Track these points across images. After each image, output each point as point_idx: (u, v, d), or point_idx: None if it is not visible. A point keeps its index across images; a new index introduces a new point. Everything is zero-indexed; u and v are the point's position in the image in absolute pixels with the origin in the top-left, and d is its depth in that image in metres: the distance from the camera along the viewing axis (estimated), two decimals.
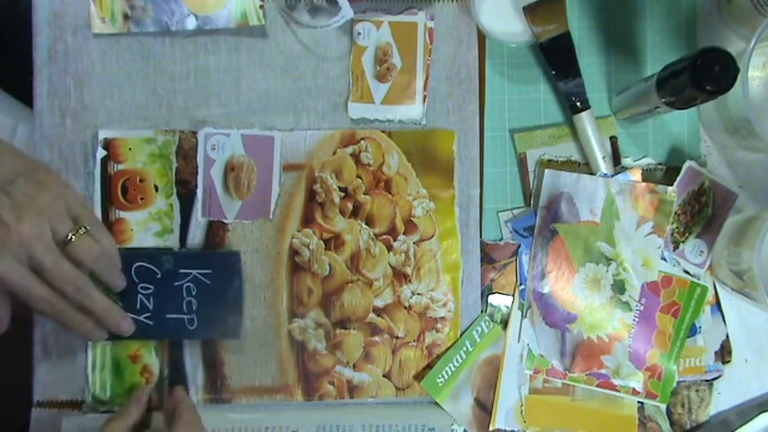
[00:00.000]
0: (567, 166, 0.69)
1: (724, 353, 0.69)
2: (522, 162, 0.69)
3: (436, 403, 0.67)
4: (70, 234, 0.57)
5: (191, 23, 0.66)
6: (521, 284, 0.68)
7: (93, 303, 0.59)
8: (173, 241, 0.66)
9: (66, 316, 0.58)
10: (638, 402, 0.68)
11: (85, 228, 0.58)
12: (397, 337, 0.67)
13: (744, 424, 0.67)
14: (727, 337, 0.69)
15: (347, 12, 0.64)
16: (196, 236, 0.67)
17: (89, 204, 0.66)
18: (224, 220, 0.67)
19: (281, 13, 0.66)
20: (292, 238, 0.67)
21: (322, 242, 0.67)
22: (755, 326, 0.69)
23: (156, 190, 0.67)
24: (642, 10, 0.70)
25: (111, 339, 0.64)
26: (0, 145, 0.58)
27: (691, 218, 0.68)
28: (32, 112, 0.67)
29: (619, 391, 0.67)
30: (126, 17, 0.66)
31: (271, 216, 0.67)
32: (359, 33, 0.68)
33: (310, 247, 0.67)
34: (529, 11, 0.66)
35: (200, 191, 0.67)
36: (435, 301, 0.67)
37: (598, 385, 0.67)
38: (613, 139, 0.69)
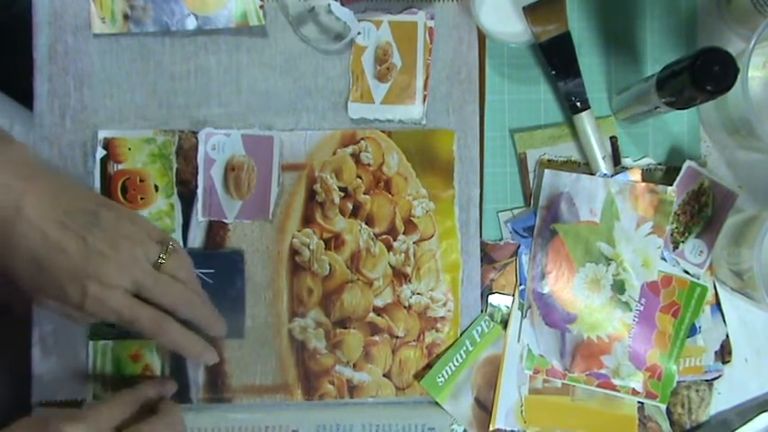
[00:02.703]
0: (567, 166, 0.69)
1: (724, 353, 0.69)
2: (522, 162, 0.69)
3: (436, 403, 0.67)
4: (161, 254, 0.58)
5: (191, 23, 0.66)
6: (521, 284, 0.68)
7: (202, 312, 0.60)
8: None
9: (178, 336, 0.59)
10: (638, 402, 0.68)
11: (172, 246, 0.59)
12: (397, 337, 0.67)
13: (744, 424, 0.67)
14: (727, 337, 0.69)
15: (355, 29, 0.65)
16: (196, 236, 0.67)
17: None
18: (224, 220, 0.67)
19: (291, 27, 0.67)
20: (292, 237, 0.67)
21: (322, 242, 0.67)
22: (755, 326, 0.69)
23: (157, 190, 0.67)
24: (642, 10, 0.70)
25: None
26: (72, 180, 0.59)
27: (690, 218, 0.68)
28: (28, 112, 0.67)
29: (619, 392, 0.67)
30: (126, 17, 0.66)
31: (271, 216, 0.67)
32: (359, 33, 0.67)
33: (310, 247, 0.67)
34: (529, 11, 0.66)
35: (200, 191, 0.67)
36: (435, 300, 0.67)
37: (598, 385, 0.67)
38: (613, 139, 0.69)
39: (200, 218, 0.66)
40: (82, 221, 0.55)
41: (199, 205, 0.67)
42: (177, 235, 0.66)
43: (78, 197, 0.57)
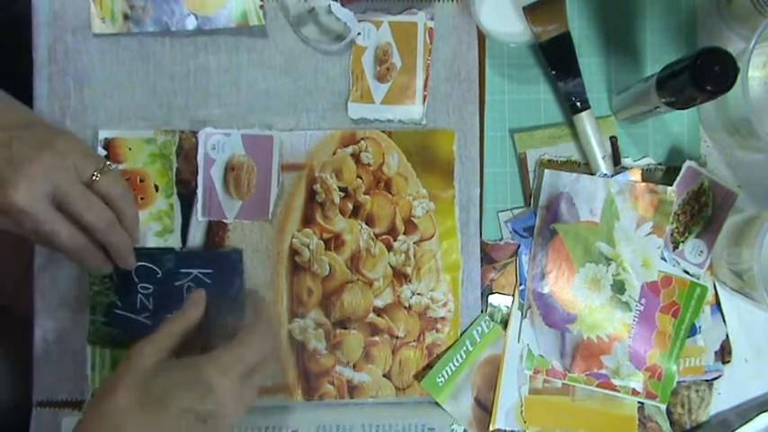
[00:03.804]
0: (567, 166, 0.69)
1: (724, 353, 0.69)
2: (522, 162, 0.69)
3: (436, 403, 0.67)
4: (95, 172, 0.55)
5: (191, 23, 0.66)
6: (521, 284, 0.68)
7: (118, 240, 0.57)
8: (173, 241, 0.66)
9: (87, 254, 0.56)
10: (638, 402, 0.68)
11: (108, 166, 0.56)
12: (397, 337, 0.67)
13: (744, 424, 0.67)
14: (727, 337, 0.69)
15: (355, 30, 0.65)
16: (196, 236, 0.67)
17: None
18: (224, 220, 0.67)
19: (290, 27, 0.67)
20: (292, 238, 0.67)
21: (322, 242, 0.67)
22: (755, 326, 0.69)
23: (157, 190, 0.67)
24: (642, 10, 0.70)
25: (108, 277, 0.64)
26: (7, 98, 0.56)
27: (690, 218, 0.68)
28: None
29: (619, 392, 0.67)
30: (126, 17, 0.66)
31: (270, 216, 0.67)
32: (359, 33, 0.67)
33: (310, 247, 0.67)
34: (529, 11, 0.66)
35: (200, 191, 0.67)
36: (435, 301, 0.67)
37: (598, 385, 0.67)
38: (613, 139, 0.69)
39: (199, 218, 0.66)
40: (12, 129, 0.52)
41: (199, 205, 0.67)
42: (177, 234, 0.66)
43: (13, 111, 0.54)
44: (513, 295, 0.68)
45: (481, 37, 0.69)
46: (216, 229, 0.67)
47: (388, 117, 0.68)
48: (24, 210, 0.51)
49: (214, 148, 0.67)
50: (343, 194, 0.67)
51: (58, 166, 0.52)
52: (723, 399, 0.69)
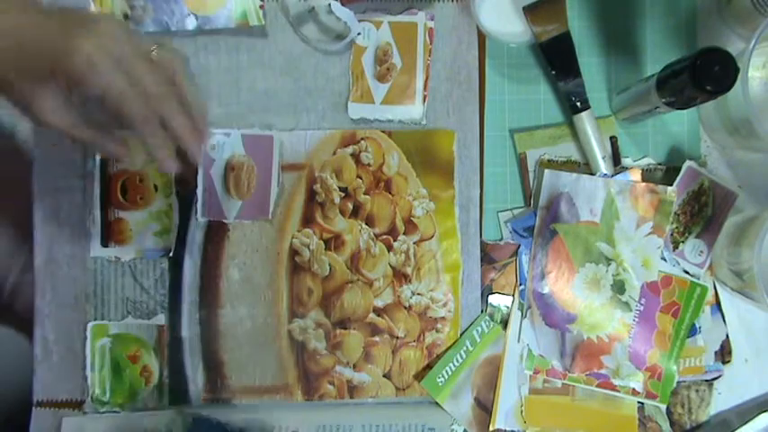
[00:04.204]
0: (567, 166, 0.69)
1: (724, 353, 0.69)
2: (522, 162, 0.69)
3: (436, 403, 0.67)
4: (153, 46, 0.53)
5: (191, 23, 0.66)
6: (521, 284, 0.68)
7: (181, 118, 0.54)
8: (172, 241, 0.66)
9: (154, 128, 0.52)
10: (638, 402, 0.68)
11: (164, 44, 0.54)
12: (397, 337, 0.67)
13: (744, 424, 0.67)
14: (727, 337, 0.69)
15: (355, 30, 0.65)
16: (196, 236, 0.67)
17: (89, 203, 0.66)
18: (224, 220, 0.67)
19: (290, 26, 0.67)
20: (292, 238, 0.67)
21: (322, 242, 0.67)
22: (755, 326, 0.69)
23: (156, 190, 0.67)
24: (642, 10, 0.70)
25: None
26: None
27: (690, 218, 0.68)
28: None
29: (619, 392, 0.67)
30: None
31: (270, 216, 0.67)
32: (359, 33, 0.67)
33: (310, 247, 0.67)
34: (529, 11, 0.66)
35: (200, 191, 0.67)
36: (435, 301, 0.67)
37: (598, 385, 0.67)
38: (613, 139, 0.69)
39: (199, 218, 0.66)
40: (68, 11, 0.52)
41: (199, 205, 0.66)
42: (175, 234, 0.66)
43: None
44: (513, 295, 0.68)
45: (481, 37, 0.69)
46: (216, 229, 0.67)
47: (388, 117, 0.68)
48: (95, 70, 0.49)
49: (214, 148, 0.67)
50: (343, 194, 0.67)
51: (120, 31, 0.51)
52: (723, 399, 0.69)
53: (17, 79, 0.51)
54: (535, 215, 0.68)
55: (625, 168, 0.68)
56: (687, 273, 0.68)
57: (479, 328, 0.68)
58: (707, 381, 0.69)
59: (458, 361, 0.67)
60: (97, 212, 0.66)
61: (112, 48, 0.50)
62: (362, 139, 0.68)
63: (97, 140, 0.54)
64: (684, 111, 0.67)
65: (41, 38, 0.50)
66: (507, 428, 0.67)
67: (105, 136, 0.54)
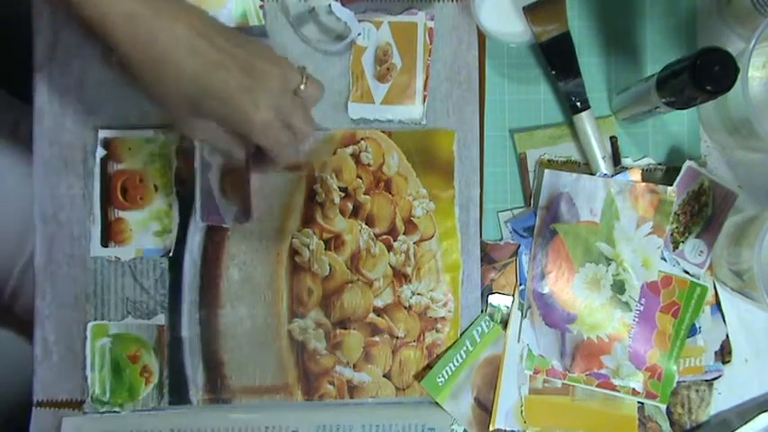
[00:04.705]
0: (567, 166, 0.69)
1: (724, 353, 0.69)
2: (522, 162, 0.69)
3: (436, 403, 0.67)
4: (302, 82, 0.57)
5: None
6: (521, 284, 0.68)
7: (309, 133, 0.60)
8: (171, 241, 0.66)
9: (291, 153, 0.59)
10: (638, 402, 0.68)
11: (308, 72, 0.58)
12: (397, 337, 0.67)
13: (744, 424, 0.67)
14: (727, 337, 0.69)
15: (355, 30, 0.65)
16: (196, 236, 0.67)
17: (89, 203, 0.66)
18: (223, 225, 0.66)
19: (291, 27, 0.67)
20: (292, 238, 0.67)
21: (322, 242, 0.67)
22: (755, 326, 0.69)
23: (156, 189, 0.67)
24: (642, 10, 0.70)
25: None
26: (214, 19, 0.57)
27: (690, 218, 0.68)
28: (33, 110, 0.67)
29: (619, 392, 0.67)
30: None
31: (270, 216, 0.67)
32: (359, 33, 0.67)
33: (310, 247, 0.67)
34: (529, 11, 0.66)
35: (197, 194, 0.66)
36: (435, 301, 0.67)
37: (598, 385, 0.67)
38: (613, 139, 0.69)
39: (198, 222, 0.66)
40: (227, 40, 0.54)
41: (197, 206, 0.66)
42: (174, 234, 0.66)
43: (209, 19, 0.56)
44: (513, 295, 0.68)
45: (481, 37, 0.69)
46: (216, 229, 0.67)
47: (388, 117, 0.68)
48: (264, 125, 0.55)
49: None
50: (343, 194, 0.67)
51: (280, 83, 0.55)
52: (723, 399, 0.69)
53: (187, 114, 0.55)
54: (535, 215, 0.68)
55: (625, 168, 0.68)
56: (687, 273, 0.68)
57: (479, 328, 0.68)
58: (707, 381, 0.69)
59: (458, 361, 0.67)
60: (97, 212, 0.66)
61: (280, 105, 0.55)
62: (362, 139, 0.68)
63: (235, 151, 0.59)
64: (684, 111, 0.67)
65: (220, 88, 0.53)
66: (507, 428, 0.67)
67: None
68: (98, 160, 0.66)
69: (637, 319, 0.67)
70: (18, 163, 0.70)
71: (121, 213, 0.67)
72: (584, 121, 0.67)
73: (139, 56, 0.51)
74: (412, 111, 0.68)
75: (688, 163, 0.68)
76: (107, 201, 0.66)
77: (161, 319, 0.66)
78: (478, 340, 0.67)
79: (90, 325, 0.66)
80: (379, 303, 0.67)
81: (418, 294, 0.67)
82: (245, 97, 0.54)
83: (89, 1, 0.50)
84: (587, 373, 0.67)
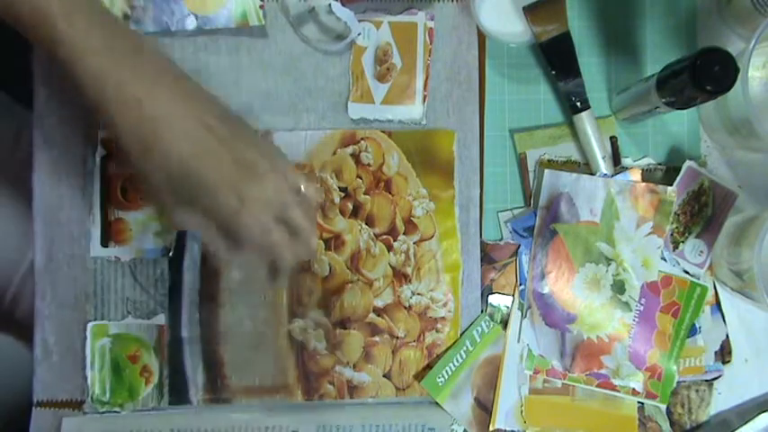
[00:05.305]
0: (567, 166, 0.69)
1: (724, 353, 0.69)
2: (522, 162, 0.69)
3: (436, 403, 0.67)
4: (303, 184, 0.57)
5: (191, 23, 0.66)
6: (521, 284, 0.68)
7: (312, 233, 0.59)
8: (172, 240, 0.66)
9: (288, 254, 0.57)
10: (638, 402, 0.68)
11: (308, 176, 0.59)
12: (397, 337, 0.67)
13: (744, 424, 0.67)
14: (727, 337, 0.69)
15: (355, 30, 0.65)
16: (196, 236, 0.66)
17: (89, 203, 0.66)
18: None
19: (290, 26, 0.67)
20: None
21: (322, 242, 0.67)
22: (755, 326, 0.69)
23: None
24: (642, 10, 0.70)
25: None
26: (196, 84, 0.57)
27: (690, 218, 0.68)
28: (31, 113, 0.67)
29: (619, 392, 0.67)
30: (126, 17, 0.66)
31: None
32: (359, 33, 0.67)
33: None
34: (529, 11, 0.66)
35: None
36: (435, 301, 0.67)
37: (598, 385, 0.67)
38: (613, 139, 0.69)
39: None
40: (226, 129, 0.53)
41: None
42: (174, 234, 0.66)
43: (212, 102, 0.55)
44: (513, 295, 0.68)
45: (481, 37, 0.69)
46: None
47: (388, 117, 0.68)
48: (256, 220, 0.54)
49: None
50: (343, 194, 0.67)
51: (280, 187, 0.55)
52: (723, 399, 0.69)
53: (173, 200, 0.54)
54: (535, 215, 0.68)
55: (625, 168, 0.68)
56: (687, 273, 0.68)
57: (479, 328, 0.68)
58: (707, 381, 0.69)
59: (458, 361, 0.67)
60: (97, 212, 0.66)
61: (276, 202, 0.54)
62: (362, 139, 0.68)
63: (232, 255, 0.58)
64: (684, 111, 0.67)
65: (215, 181, 0.52)
66: (507, 428, 0.67)
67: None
68: (98, 160, 0.66)
69: (637, 319, 0.67)
70: (21, 173, 0.69)
71: (121, 213, 0.67)
72: (584, 121, 0.67)
73: (129, 130, 0.51)
74: (412, 111, 0.68)
75: (688, 163, 0.68)
76: (107, 201, 0.66)
77: (161, 319, 0.66)
78: (478, 340, 0.67)
79: (90, 325, 0.66)
80: (379, 303, 0.67)
81: (418, 294, 0.67)
82: (232, 192, 0.52)
83: (90, 87, 0.50)
84: (587, 373, 0.67)
